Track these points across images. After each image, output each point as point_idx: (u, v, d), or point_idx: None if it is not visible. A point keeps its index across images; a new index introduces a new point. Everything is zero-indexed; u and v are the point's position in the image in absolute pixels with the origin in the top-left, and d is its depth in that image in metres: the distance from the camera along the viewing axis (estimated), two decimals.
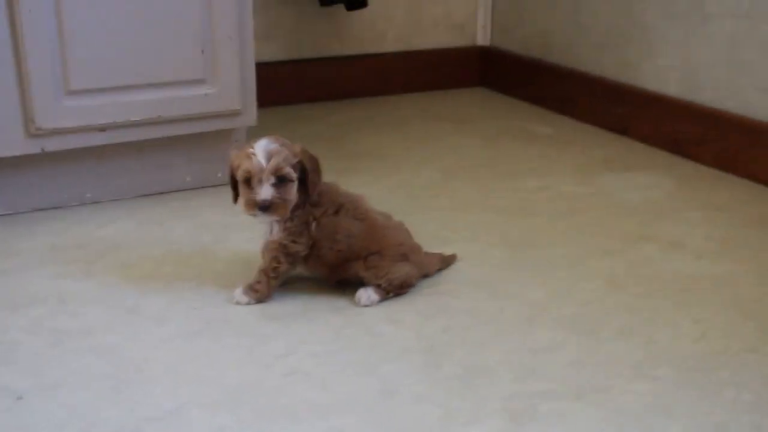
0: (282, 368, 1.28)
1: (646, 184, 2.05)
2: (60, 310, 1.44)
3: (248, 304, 1.46)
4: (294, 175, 1.40)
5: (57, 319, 1.41)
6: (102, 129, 1.81)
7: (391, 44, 2.87)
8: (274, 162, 1.38)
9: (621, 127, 2.43)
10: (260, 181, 1.38)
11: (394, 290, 1.47)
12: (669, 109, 2.28)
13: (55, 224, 1.79)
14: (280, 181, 1.39)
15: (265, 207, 1.38)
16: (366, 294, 1.46)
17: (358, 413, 1.17)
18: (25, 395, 1.20)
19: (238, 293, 1.47)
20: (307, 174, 1.41)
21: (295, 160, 1.40)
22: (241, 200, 1.42)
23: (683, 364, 1.30)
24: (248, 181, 1.40)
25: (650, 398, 1.21)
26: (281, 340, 1.36)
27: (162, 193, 1.97)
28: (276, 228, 1.45)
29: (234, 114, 1.93)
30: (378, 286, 1.46)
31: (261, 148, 1.39)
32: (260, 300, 1.46)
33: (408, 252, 1.50)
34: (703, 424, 1.15)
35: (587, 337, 1.37)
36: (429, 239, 1.61)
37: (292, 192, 1.41)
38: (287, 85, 2.70)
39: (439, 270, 1.58)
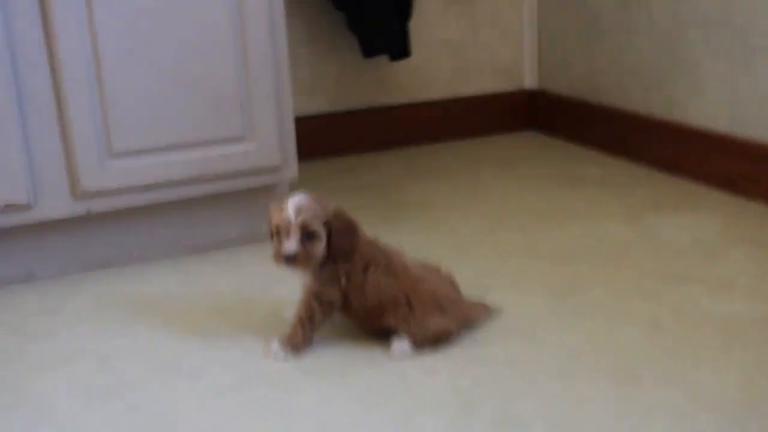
0: (313, 422, 1.27)
1: (695, 223, 2.00)
2: (99, 367, 1.46)
3: (285, 357, 1.46)
4: (321, 232, 1.41)
5: (95, 376, 1.43)
6: (146, 189, 1.85)
7: (437, 92, 2.87)
8: (301, 217, 1.40)
9: (671, 166, 2.39)
10: (288, 235, 1.40)
11: (429, 343, 1.45)
12: (718, 146, 2.23)
13: (101, 283, 1.82)
14: (308, 236, 1.40)
15: (290, 259, 1.40)
16: (400, 347, 1.45)
17: None
18: None
19: (276, 346, 1.47)
20: (332, 234, 1.43)
21: (324, 218, 1.42)
22: (272, 252, 1.44)
23: (726, 411, 1.25)
24: (279, 234, 1.42)
25: None
26: (314, 393, 1.35)
27: (208, 248, 2.00)
28: (310, 277, 1.46)
29: (274, 169, 1.95)
30: (412, 339, 1.45)
31: (292, 203, 1.42)
32: (297, 350, 1.46)
33: (445, 304, 1.48)
34: None
35: (626, 385, 1.33)
36: (469, 287, 1.59)
37: (319, 248, 1.42)
38: (334, 137, 2.73)
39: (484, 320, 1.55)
